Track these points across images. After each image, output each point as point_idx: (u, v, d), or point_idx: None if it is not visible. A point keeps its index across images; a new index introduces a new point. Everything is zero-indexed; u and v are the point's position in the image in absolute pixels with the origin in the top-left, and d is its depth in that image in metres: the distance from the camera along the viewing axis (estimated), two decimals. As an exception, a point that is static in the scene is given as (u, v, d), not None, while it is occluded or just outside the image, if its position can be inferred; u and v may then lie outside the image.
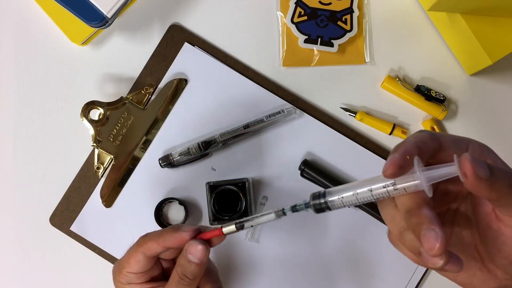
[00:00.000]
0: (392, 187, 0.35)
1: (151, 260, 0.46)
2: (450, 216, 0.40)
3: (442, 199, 0.40)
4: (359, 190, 0.36)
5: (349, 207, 0.39)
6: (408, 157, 0.33)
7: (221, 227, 0.42)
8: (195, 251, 0.42)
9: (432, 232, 0.32)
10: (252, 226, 0.42)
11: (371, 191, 0.36)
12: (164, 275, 0.49)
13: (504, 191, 0.33)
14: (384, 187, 0.35)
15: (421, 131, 0.37)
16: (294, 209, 0.40)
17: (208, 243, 0.43)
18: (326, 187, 0.63)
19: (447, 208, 0.41)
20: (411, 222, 0.34)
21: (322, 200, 0.38)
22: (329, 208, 0.38)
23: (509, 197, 0.33)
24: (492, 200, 0.35)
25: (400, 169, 0.34)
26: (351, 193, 0.37)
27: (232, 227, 0.42)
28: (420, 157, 0.34)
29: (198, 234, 0.44)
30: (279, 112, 0.65)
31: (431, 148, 0.35)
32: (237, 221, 0.42)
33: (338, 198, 0.38)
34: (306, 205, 0.39)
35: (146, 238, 0.45)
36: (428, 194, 0.34)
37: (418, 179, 0.33)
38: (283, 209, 0.41)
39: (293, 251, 0.65)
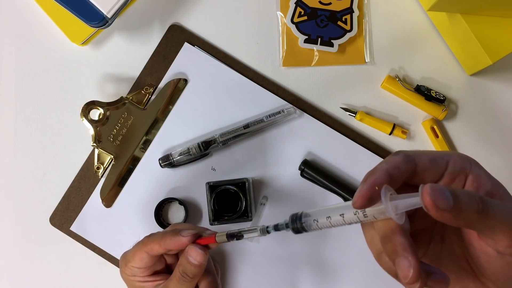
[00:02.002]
0: (362, 214, 0.35)
1: (154, 258, 0.49)
2: (439, 229, 0.40)
3: (427, 214, 0.40)
4: (332, 215, 0.37)
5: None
6: (377, 187, 0.33)
7: (215, 236, 0.46)
8: (195, 254, 0.46)
9: (406, 260, 0.32)
10: (241, 238, 0.45)
11: (343, 216, 0.37)
12: (168, 269, 0.53)
13: (472, 218, 0.32)
14: (354, 213, 0.36)
15: (396, 153, 0.36)
16: (276, 228, 0.42)
17: (206, 247, 0.47)
18: (326, 187, 0.64)
19: (435, 221, 0.40)
20: (386, 249, 0.34)
21: (298, 223, 0.40)
22: (305, 230, 0.40)
23: (480, 223, 0.32)
24: (463, 227, 0.34)
25: (369, 201, 0.34)
26: (324, 217, 0.38)
27: (224, 238, 0.45)
28: (393, 183, 0.34)
29: (197, 238, 0.48)
30: (279, 112, 0.65)
31: (405, 173, 0.35)
32: (228, 232, 0.45)
33: (314, 221, 0.39)
34: (287, 225, 0.41)
35: (150, 239, 0.49)
36: (398, 222, 0.33)
37: (385, 208, 0.33)
38: (267, 227, 0.43)
39: (294, 251, 0.65)
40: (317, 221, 0.38)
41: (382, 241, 0.34)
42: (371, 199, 0.34)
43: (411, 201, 0.33)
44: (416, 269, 0.32)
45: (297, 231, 0.40)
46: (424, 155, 0.36)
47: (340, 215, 0.37)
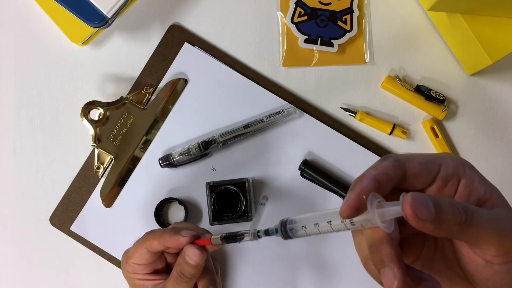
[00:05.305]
0: (349, 222, 0.35)
1: (154, 254, 0.49)
2: None
3: None
4: (320, 222, 0.37)
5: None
6: (364, 196, 0.33)
7: (211, 238, 0.46)
8: (192, 255, 0.46)
9: (391, 272, 0.31)
10: (234, 241, 0.44)
11: (330, 223, 0.36)
12: (168, 268, 0.53)
13: (454, 230, 0.31)
14: (342, 221, 0.35)
15: (385, 157, 0.35)
16: (267, 233, 0.42)
17: (204, 248, 0.47)
18: (326, 187, 0.64)
19: None
20: (373, 258, 0.33)
21: (283, 229, 0.39)
22: (290, 237, 0.39)
23: (462, 234, 0.32)
24: (445, 237, 0.33)
25: (356, 211, 0.33)
26: (312, 224, 0.37)
27: (218, 240, 0.45)
28: (382, 189, 0.33)
29: (195, 239, 0.47)
30: (279, 112, 0.65)
31: (393, 178, 0.34)
32: (222, 235, 0.45)
33: (302, 228, 0.38)
34: (276, 230, 0.41)
35: (149, 235, 0.49)
36: (386, 230, 0.33)
37: (371, 218, 0.33)
38: (258, 231, 0.43)
39: (293, 251, 0.65)
40: (305, 228, 0.38)
41: (369, 249, 0.34)
42: (359, 209, 0.33)
43: (397, 209, 0.32)
44: (400, 281, 0.31)
45: (286, 236, 0.40)
46: (414, 159, 0.35)
47: (328, 222, 0.36)
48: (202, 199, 0.65)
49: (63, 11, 0.61)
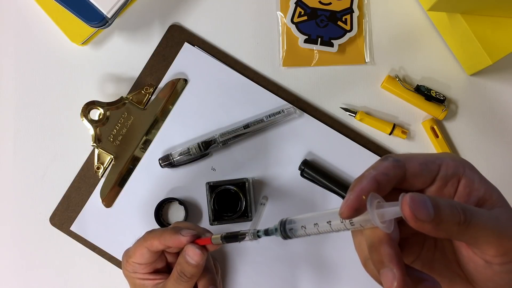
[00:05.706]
0: (348, 222, 0.35)
1: (154, 254, 0.49)
2: None
3: None
4: (320, 222, 0.37)
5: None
6: (364, 197, 0.33)
7: (211, 237, 0.46)
8: (193, 254, 0.46)
9: (390, 272, 0.31)
10: (234, 241, 0.44)
11: (330, 223, 0.36)
12: (169, 268, 0.53)
13: (453, 230, 0.31)
14: (341, 221, 0.35)
15: (385, 158, 0.35)
16: (267, 233, 0.42)
17: (204, 247, 0.47)
18: (326, 187, 0.64)
19: None
20: (372, 258, 0.33)
21: (282, 229, 0.39)
22: (290, 237, 0.39)
23: (461, 234, 0.32)
24: (444, 238, 0.33)
25: (356, 211, 0.33)
26: (311, 224, 0.37)
27: (218, 240, 0.45)
28: (382, 190, 0.33)
29: (196, 238, 0.47)
30: (279, 112, 0.65)
31: (393, 178, 0.34)
32: (223, 234, 0.45)
33: (301, 228, 0.38)
34: (276, 230, 0.40)
35: (150, 234, 0.49)
36: (386, 230, 0.33)
37: (371, 218, 0.33)
38: (258, 231, 0.43)
39: (293, 251, 0.65)
40: (305, 228, 0.38)
41: (369, 249, 0.34)
42: (358, 209, 0.33)
43: (397, 209, 0.32)
44: (399, 282, 0.31)
45: (285, 236, 0.40)
46: (414, 159, 0.35)
47: (327, 222, 0.36)
48: (202, 199, 0.65)
49: (63, 11, 0.61)
